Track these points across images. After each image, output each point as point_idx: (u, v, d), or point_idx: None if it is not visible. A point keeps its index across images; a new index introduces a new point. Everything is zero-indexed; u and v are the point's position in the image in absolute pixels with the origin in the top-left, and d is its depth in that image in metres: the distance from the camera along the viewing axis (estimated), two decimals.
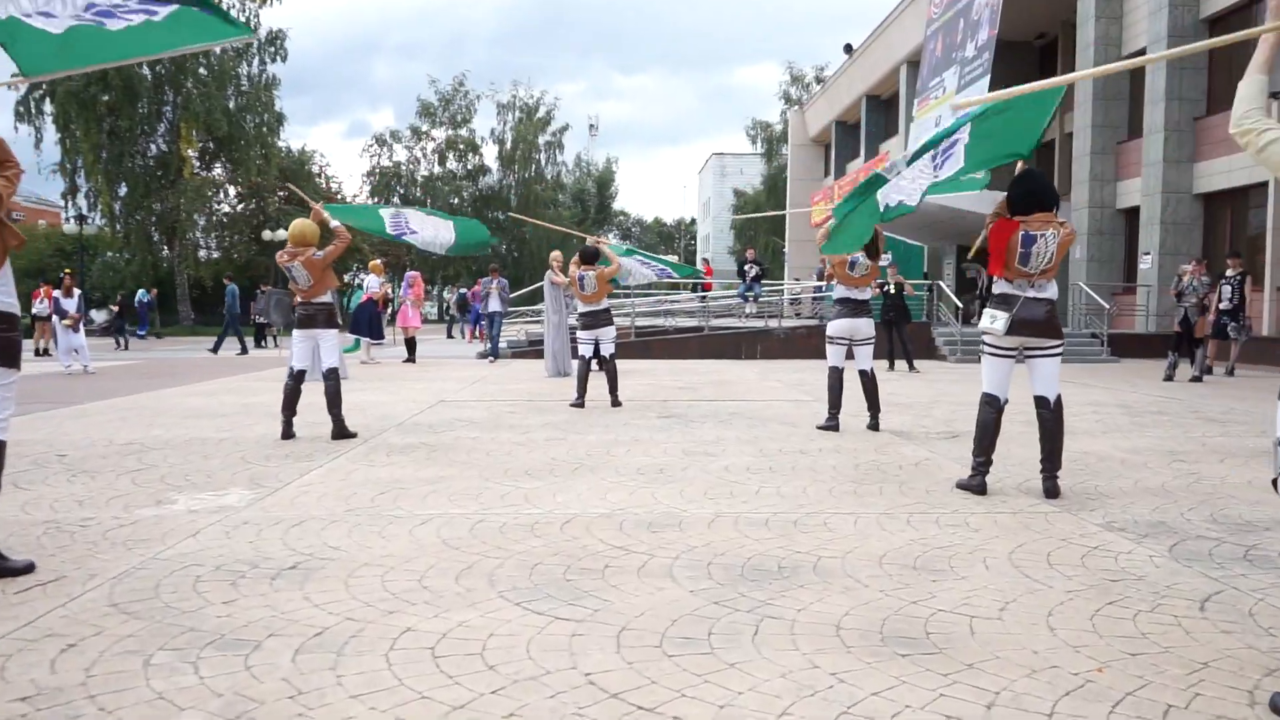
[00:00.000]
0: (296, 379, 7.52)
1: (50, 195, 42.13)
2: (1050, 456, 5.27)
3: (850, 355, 8.27)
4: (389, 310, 18.76)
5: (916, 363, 15.75)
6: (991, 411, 5.35)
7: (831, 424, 8.06)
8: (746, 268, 20.35)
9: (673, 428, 8.18)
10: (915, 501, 5.16)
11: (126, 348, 26.08)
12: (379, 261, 18.01)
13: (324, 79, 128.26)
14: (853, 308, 7.99)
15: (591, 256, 9.87)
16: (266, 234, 37.85)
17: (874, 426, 8.07)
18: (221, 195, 40.71)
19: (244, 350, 21.59)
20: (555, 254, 14.73)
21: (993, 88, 24.83)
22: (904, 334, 15.53)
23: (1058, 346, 5.29)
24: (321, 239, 7.51)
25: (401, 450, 6.87)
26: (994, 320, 5.22)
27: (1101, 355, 18.50)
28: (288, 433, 7.45)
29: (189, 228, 35.79)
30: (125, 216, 36.63)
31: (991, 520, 4.69)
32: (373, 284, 17.44)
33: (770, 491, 5.41)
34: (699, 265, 38.63)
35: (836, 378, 8.11)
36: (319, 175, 46.23)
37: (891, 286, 15.40)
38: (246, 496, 5.23)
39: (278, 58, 37.59)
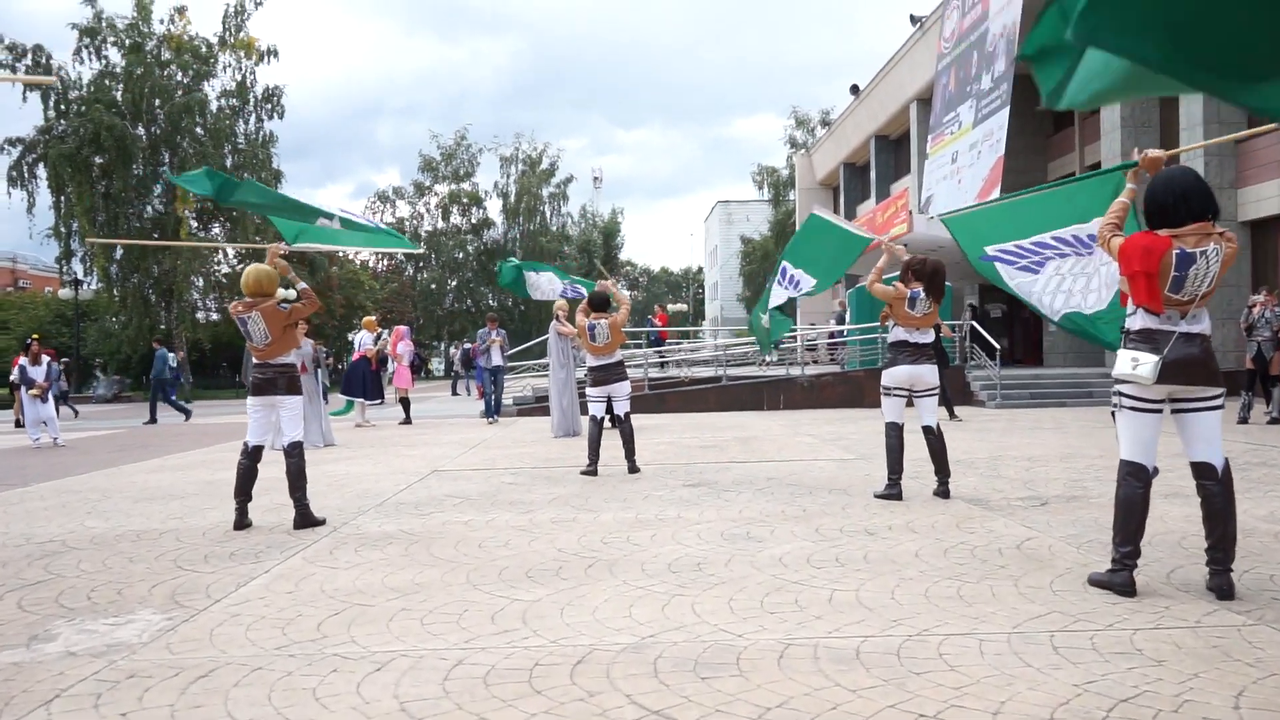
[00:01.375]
0: (251, 456, 6.27)
1: (47, 259, 41.33)
2: (1222, 544, 3.96)
3: (910, 405, 6.99)
4: (386, 369, 17.48)
5: (957, 409, 14.43)
6: (1138, 487, 4.05)
7: (893, 491, 6.75)
8: None
9: (703, 500, 6.89)
10: (1047, 610, 3.84)
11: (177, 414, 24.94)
12: (373, 318, 16.84)
13: (328, 142, 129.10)
14: (913, 352, 6.74)
15: (602, 303, 8.66)
16: None
17: (943, 493, 6.76)
18: (220, 256, 39.81)
19: (152, 419, 19.44)
20: (561, 302, 13.53)
21: (1013, 119, 23.84)
22: (943, 380, 14.21)
23: (1218, 396, 4.03)
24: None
25: (375, 543, 5.58)
26: (1137, 365, 3.95)
27: None
28: (241, 522, 6.18)
29: (185, 290, 34.82)
30: (121, 280, 35.70)
31: (1171, 644, 3.38)
32: (366, 340, 16.26)
33: (848, 598, 4.10)
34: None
35: (896, 436, 6.83)
36: None
37: None
38: (154, 625, 3.94)
39: (274, 115, 36.93)
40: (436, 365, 62.70)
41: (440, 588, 4.44)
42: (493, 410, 16.05)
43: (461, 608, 4.08)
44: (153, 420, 19.49)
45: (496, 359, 15.82)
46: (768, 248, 61.28)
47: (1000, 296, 28.22)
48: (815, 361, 22.56)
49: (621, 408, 8.69)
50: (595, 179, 77.51)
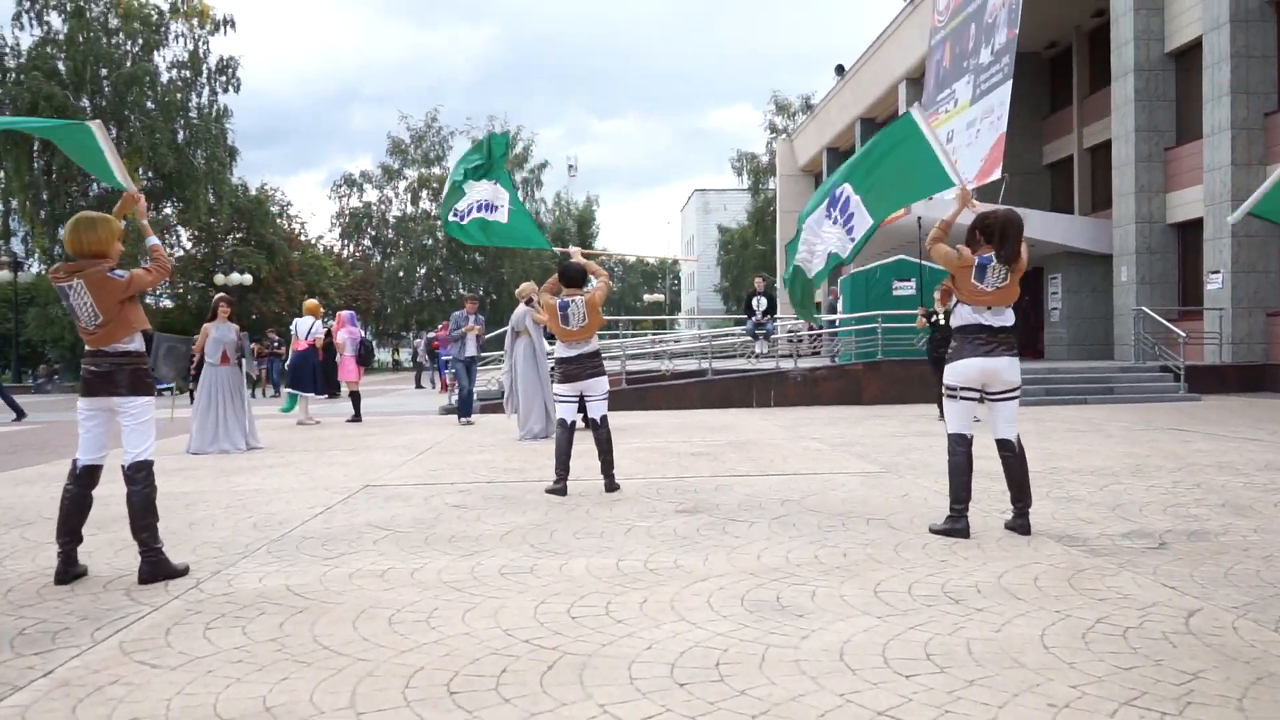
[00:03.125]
0: (82, 480, 4.52)
1: None
2: None
3: (978, 400, 5.35)
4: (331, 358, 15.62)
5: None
6: None
7: (958, 526, 5.09)
8: (755, 301, 17.45)
9: (705, 536, 5.21)
10: None
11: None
12: (314, 301, 14.95)
13: (301, 128, 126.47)
14: (986, 340, 5.07)
15: (576, 277, 6.94)
16: (219, 278, 34.91)
17: (1021, 526, 5.12)
18: (173, 238, 37.68)
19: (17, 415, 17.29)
20: (527, 284, 11.78)
21: (1015, 92, 22.30)
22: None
23: None
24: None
25: (242, 612, 3.86)
26: None
27: (1178, 392, 15.66)
28: (67, 572, 4.43)
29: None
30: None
31: None
32: (317, 330, 14.41)
33: None
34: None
35: (964, 454, 5.17)
36: (280, 215, 43.36)
37: (942, 317, 12.53)
38: None
39: (229, 87, 34.76)
40: (405, 356, 60.69)
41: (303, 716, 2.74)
42: (469, 409, 13.87)
43: None
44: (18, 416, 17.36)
45: (472, 349, 13.48)
46: (746, 237, 59.66)
47: None
48: (801, 355, 20.86)
49: (597, 409, 6.97)
50: (570, 167, 75.40)
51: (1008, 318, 5.11)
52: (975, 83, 24.26)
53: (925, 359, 16.56)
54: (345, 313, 15.92)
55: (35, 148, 32.17)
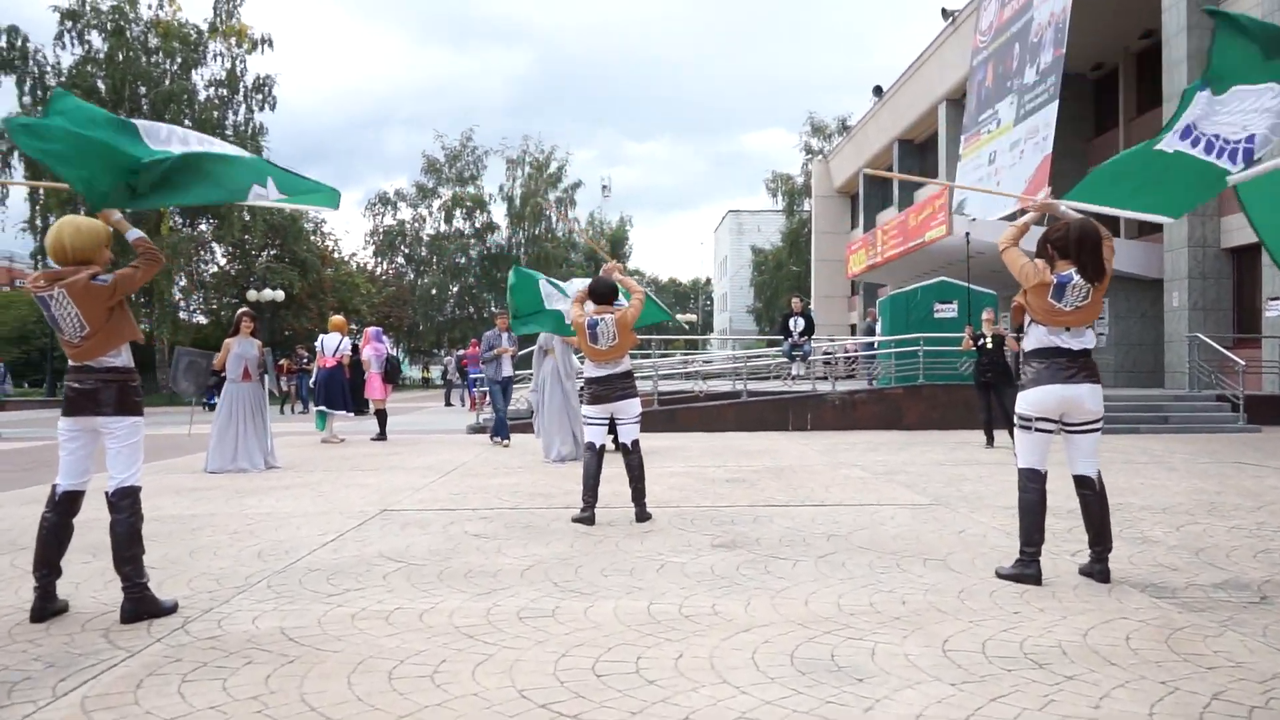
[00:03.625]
0: (60, 507, 4.14)
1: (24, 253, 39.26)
2: None
3: (1053, 432, 4.82)
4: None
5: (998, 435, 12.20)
6: None
7: (1029, 571, 4.57)
8: (792, 321, 16.93)
9: (746, 576, 4.73)
10: None
11: None
12: (341, 317, 14.63)
13: (339, 150, 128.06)
14: (1067, 364, 4.55)
15: (606, 293, 6.51)
16: (252, 294, 34.88)
17: (1100, 573, 4.59)
18: (207, 254, 37.81)
19: None
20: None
21: (1060, 114, 21.70)
22: (1006, 400, 12.05)
23: None
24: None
25: (228, 660, 3.44)
26: None
27: (1237, 423, 14.95)
28: (44, 609, 4.03)
29: (167, 289, 32.73)
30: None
31: None
32: (345, 346, 14.09)
33: None
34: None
35: (1038, 491, 4.63)
36: (314, 233, 43.45)
37: (989, 340, 11.98)
38: None
39: (265, 106, 34.88)
40: (435, 374, 60.60)
41: None
42: (504, 430, 13.03)
43: None
44: None
45: (507, 369, 12.79)
46: (780, 258, 59.13)
47: None
48: (836, 377, 20.26)
49: (629, 433, 6.51)
50: (604, 187, 75.19)
51: (1088, 339, 4.59)
52: (1019, 103, 23.68)
53: (969, 384, 16.01)
54: (371, 329, 15.61)
55: None
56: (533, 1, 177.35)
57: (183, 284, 35.75)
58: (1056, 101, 21.10)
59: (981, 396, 12.15)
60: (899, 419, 15.77)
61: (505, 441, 12.88)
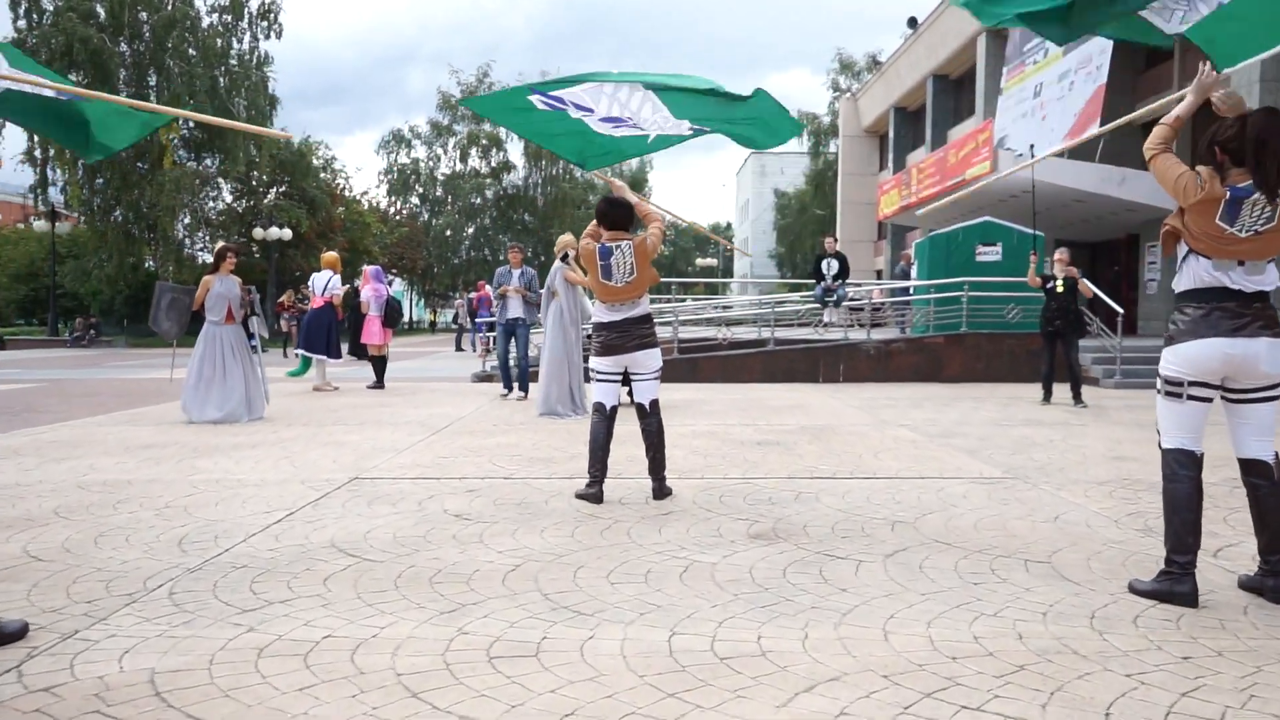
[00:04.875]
0: None
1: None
2: None
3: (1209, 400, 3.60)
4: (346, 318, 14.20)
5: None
6: None
7: (1183, 589, 3.39)
8: (825, 264, 15.62)
9: (797, 586, 3.59)
10: None
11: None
12: (334, 254, 13.42)
13: (359, 89, 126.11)
14: (1234, 313, 3.34)
15: (621, 216, 5.28)
16: (258, 232, 33.79)
17: (1275, 590, 3.42)
18: (213, 190, 36.59)
19: None
20: (566, 236, 10.16)
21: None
22: (1074, 353, 10.82)
23: None
24: None
25: None
26: None
27: None
28: None
29: (170, 226, 31.63)
30: (102, 213, 32.51)
31: None
32: (335, 285, 12.97)
33: None
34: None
35: (1191, 482, 3.44)
36: (324, 169, 42.14)
37: (1060, 283, 10.69)
38: None
39: (271, 33, 33.39)
40: (445, 318, 59.57)
41: None
42: (510, 380, 11.60)
43: None
44: None
45: (516, 310, 11.12)
46: (804, 200, 57.37)
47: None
48: (865, 325, 18.92)
49: (646, 391, 5.33)
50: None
51: (1269, 278, 3.37)
52: None
53: (1017, 332, 14.74)
54: (371, 268, 14.46)
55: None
56: None
57: (186, 221, 34.60)
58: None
59: (1047, 347, 10.89)
60: (939, 370, 14.56)
61: (512, 394, 11.54)
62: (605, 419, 5.26)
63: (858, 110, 44.46)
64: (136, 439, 7.80)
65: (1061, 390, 11.00)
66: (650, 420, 5.31)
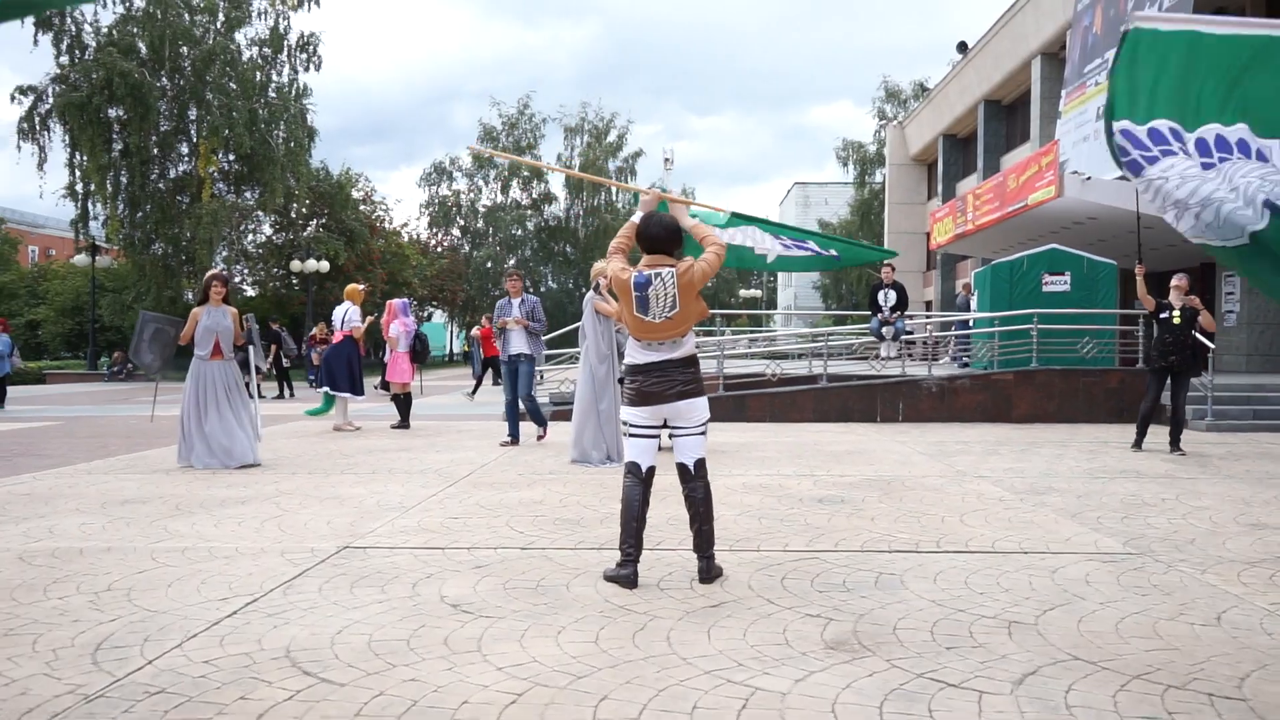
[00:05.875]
0: None
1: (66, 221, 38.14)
2: None
3: None
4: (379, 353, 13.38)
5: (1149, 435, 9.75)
6: None
7: None
8: (882, 294, 14.55)
9: None
10: None
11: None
12: (359, 286, 12.61)
13: (406, 126, 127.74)
14: None
15: (666, 237, 4.31)
16: (296, 264, 33.37)
17: None
18: (252, 223, 36.31)
19: None
20: (599, 264, 9.24)
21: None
22: (1183, 395, 9.63)
23: None
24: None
25: None
26: None
27: None
28: None
29: (205, 259, 31.32)
30: (142, 247, 32.29)
31: None
32: (354, 317, 12.19)
33: None
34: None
35: None
36: (365, 201, 41.84)
37: (1176, 313, 9.53)
38: None
39: (310, 66, 33.13)
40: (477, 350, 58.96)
41: None
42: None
43: None
44: None
45: (519, 344, 9.98)
46: (850, 230, 56.20)
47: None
48: (923, 359, 17.73)
49: (691, 451, 4.33)
50: (666, 160, 72.78)
51: None
52: None
53: (1092, 368, 13.56)
54: (397, 301, 13.62)
55: (113, 127, 31.08)
56: None
57: (224, 254, 34.29)
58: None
59: (1153, 383, 9.66)
60: (1008, 409, 13.39)
61: (512, 440, 10.11)
62: (640, 483, 4.28)
63: (905, 138, 43.41)
64: (118, 492, 6.96)
65: (1132, 430, 9.83)
66: (695, 485, 4.32)
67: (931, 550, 4.96)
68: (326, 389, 12.15)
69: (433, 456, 9.10)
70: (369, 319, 12.24)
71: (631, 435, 4.32)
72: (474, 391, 21.82)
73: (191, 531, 5.46)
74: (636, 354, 4.28)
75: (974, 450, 9.63)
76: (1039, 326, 13.67)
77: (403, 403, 12.33)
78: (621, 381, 4.35)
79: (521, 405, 10.20)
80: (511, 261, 57.86)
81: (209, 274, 8.82)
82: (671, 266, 4.21)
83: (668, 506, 5.80)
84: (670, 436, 4.40)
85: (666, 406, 4.25)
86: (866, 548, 5.00)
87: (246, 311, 8.90)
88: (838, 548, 5.01)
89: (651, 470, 4.33)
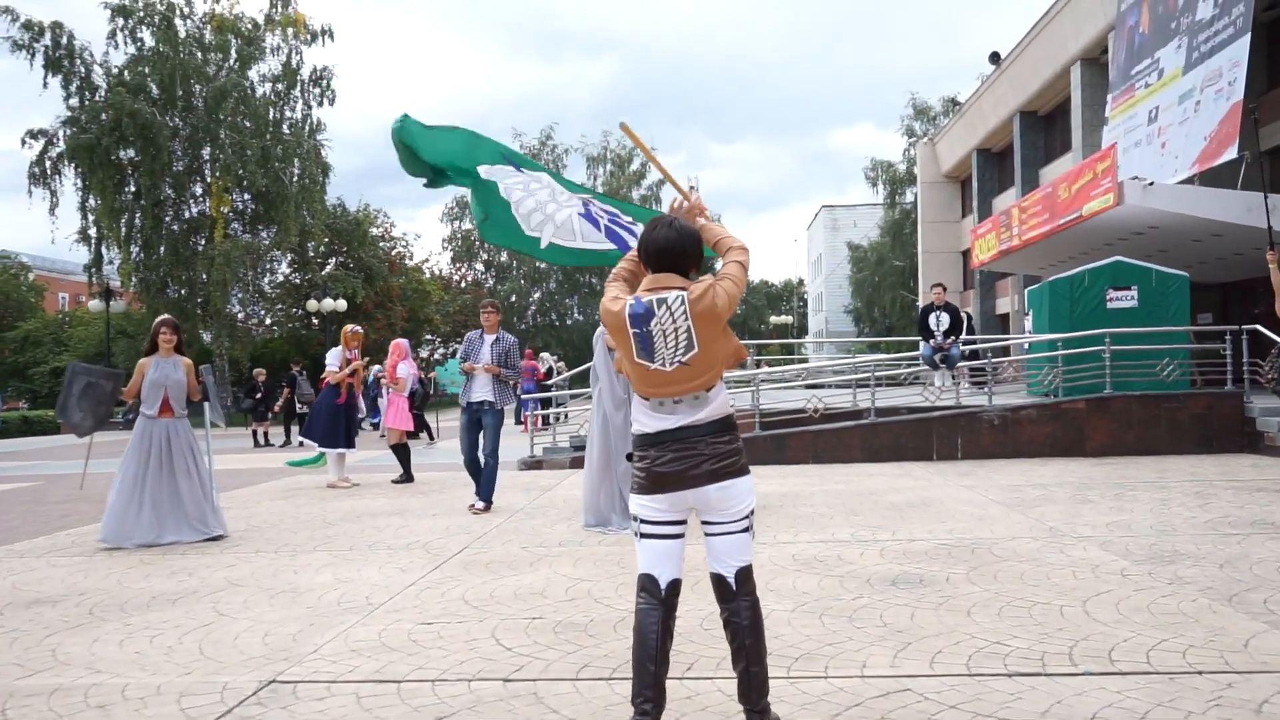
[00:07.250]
0: None
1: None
2: None
3: None
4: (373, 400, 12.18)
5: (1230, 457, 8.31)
6: None
7: None
8: (934, 318, 13.16)
9: None
10: None
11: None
12: (354, 328, 11.34)
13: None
14: None
15: (684, 250, 3.02)
16: (312, 304, 32.44)
17: None
18: (268, 263, 35.52)
19: None
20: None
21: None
22: None
23: None
24: None
25: None
26: None
27: None
28: None
29: (220, 301, 30.47)
30: (156, 290, 31.53)
31: None
32: (330, 362, 10.98)
33: None
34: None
35: None
36: (384, 238, 41.02)
37: None
38: None
39: (324, 100, 32.40)
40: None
41: None
42: (487, 485, 8.51)
43: None
44: None
45: (483, 390, 8.32)
46: (881, 252, 54.69)
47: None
48: (982, 387, 16.20)
49: (731, 555, 2.99)
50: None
51: None
52: (1191, 45, 19.43)
53: (1178, 391, 12.10)
54: (403, 341, 12.42)
55: (125, 168, 30.43)
56: (617, 9, 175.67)
57: (239, 295, 33.47)
58: (1248, 34, 16.87)
59: None
60: (1080, 442, 11.94)
61: (484, 506, 8.40)
62: (658, 605, 2.97)
63: (936, 155, 42.01)
64: (34, 586, 5.74)
65: (1228, 461, 8.37)
66: (738, 606, 2.99)
67: (1066, 670, 3.60)
68: (311, 442, 10.96)
69: (426, 524, 7.81)
70: (354, 364, 10.96)
71: (644, 536, 3.01)
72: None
73: (84, 655, 4.21)
74: (644, 418, 2.98)
75: (1058, 498, 8.20)
76: (1112, 348, 12.23)
77: (403, 453, 11.06)
78: (630, 458, 3.04)
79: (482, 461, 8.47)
80: (537, 294, 56.87)
81: (157, 320, 7.66)
82: (681, 290, 2.91)
83: (699, 599, 4.48)
84: (704, 530, 3.09)
85: (691, 493, 2.93)
86: (975, 669, 3.65)
87: (203, 362, 7.68)
88: (934, 669, 3.66)
89: (675, 586, 3.01)
